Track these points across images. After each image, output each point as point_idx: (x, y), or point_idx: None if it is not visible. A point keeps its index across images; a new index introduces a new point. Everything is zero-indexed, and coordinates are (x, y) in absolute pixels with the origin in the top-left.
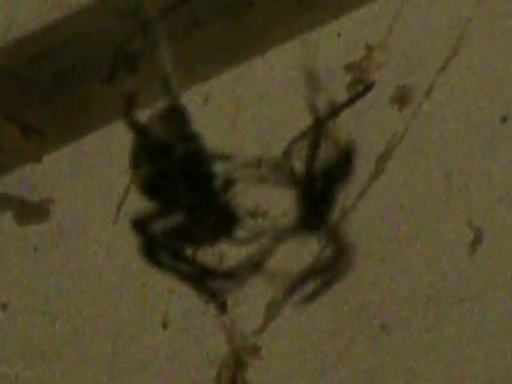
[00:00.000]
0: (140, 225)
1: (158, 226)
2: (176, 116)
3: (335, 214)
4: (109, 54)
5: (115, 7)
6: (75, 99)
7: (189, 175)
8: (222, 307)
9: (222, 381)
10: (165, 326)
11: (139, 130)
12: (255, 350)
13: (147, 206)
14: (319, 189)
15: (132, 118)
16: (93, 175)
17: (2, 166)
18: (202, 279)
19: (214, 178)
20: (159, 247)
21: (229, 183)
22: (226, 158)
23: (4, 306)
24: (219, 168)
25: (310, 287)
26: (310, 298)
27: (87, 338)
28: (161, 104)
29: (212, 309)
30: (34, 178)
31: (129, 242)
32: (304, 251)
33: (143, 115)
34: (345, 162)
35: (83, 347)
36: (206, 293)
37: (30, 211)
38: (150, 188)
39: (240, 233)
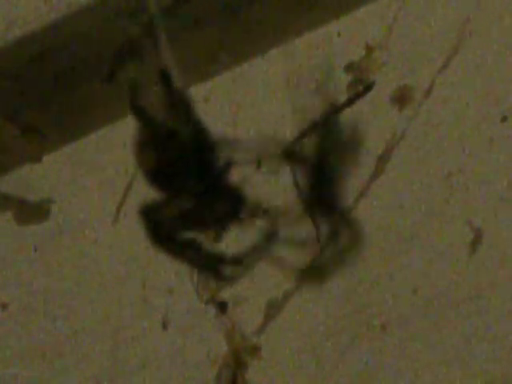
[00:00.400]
0: (148, 213)
1: (166, 213)
2: (180, 103)
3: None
4: (109, 53)
5: (115, 7)
6: (75, 99)
7: (194, 161)
8: (222, 307)
9: (222, 381)
10: (165, 326)
11: (143, 118)
12: (255, 350)
13: (154, 193)
14: (329, 174)
15: (136, 106)
16: (93, 175)
17: (2, 166)
18: (211, 265)
19: (219, 162)
20: (168, 234)
21: (229, 165)
22: (229, 143)
23: (4, 306)
24: (222, 152)
25: (323, 258)
26: (324, 269)
27: (87, 338)
28: (164, 91)
29: (212, 309)
30: (33, 177)
31: (129, 242)
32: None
33: (147, 103)
34: (353, 143)
35: (83, 347)
36: (215, 278)
37: (30, 211)
38: (156, 175)
39: (247, 216)
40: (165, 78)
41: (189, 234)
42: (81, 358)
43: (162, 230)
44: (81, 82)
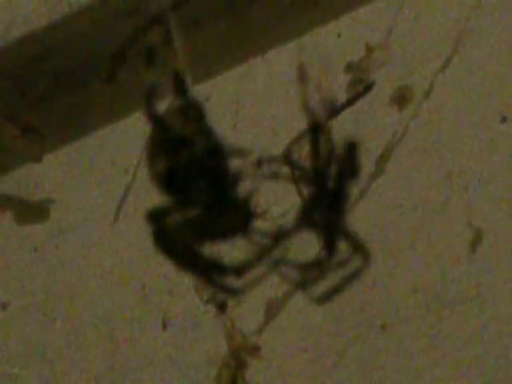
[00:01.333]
0: (155, 217)
1: (173, 220)
2: (193, 110)
3: (347, 211)
4: (109, 53)
5: (115, 7)
6: (75, 99)
7: (206, 170)
8: (222, 307)
9: (222, 381)
10: (165, 326)
11: (158, 123)
12: (255, 350)
13: (154, 196)
14: (330, 187)
15: (151, 111)
16: (93, 175)
17: (1, 166)
18: (212, 275)
19: (231, 172)
20: (173, 240)
21: (238, 178)
22: (243, 153)
23: (4, 306)
24: (234, 164)
25: (326, 285)
26: (327, 296)
27: (87, 338)
28: (178, 98)
29: (212, 309)
30: (33, 178)
31: (129, 242)
32: (312, 246)
33: (162, 108)
34: (350, 157)
35: (83, 347)
36: (216, 289)
37: (30, 211)
38: (167, 181)
39: (254, 230)
40: (178, 82)
41: (194, 244)
42: (81, 358)
43: (166, 237)
44: (81, 82)
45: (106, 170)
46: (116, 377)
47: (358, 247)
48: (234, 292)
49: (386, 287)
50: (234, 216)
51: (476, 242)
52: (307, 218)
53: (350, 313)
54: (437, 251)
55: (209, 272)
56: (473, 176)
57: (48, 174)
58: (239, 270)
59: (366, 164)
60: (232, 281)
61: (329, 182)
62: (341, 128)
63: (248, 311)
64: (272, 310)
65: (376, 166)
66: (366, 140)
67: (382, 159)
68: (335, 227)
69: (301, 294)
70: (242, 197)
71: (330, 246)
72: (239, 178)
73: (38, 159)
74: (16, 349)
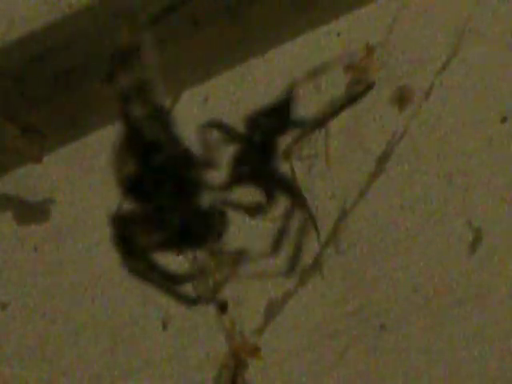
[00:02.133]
0: (117, 222)
1: (136, 226)
2: (162, 117)
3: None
4: (109, 53)
5: (115, 7)
6: (75, 99)
7: (172, 178)
8: (222, 307)
9: (221, 381)
10: (165, 326)
11: (130, 127)
12: (255, 350)
13: (127, 205)
14: (258, 139)
15: (125, 114)
16: (93, 175)
17: (1, 166)
18: (167, 285)
19: (198, 182)
20: (133, 248)
21: (203, 188)
22: (210, 164)
23: (4, 306)
24: (202, 174)
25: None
26: (292, 266)
27: (87, 338)
28: (151, 103)
29: (212, 309)
30: (33, 177)
31: None
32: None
33: (135, 113)
34: (284, 109)
35: (83, 347)
36: (173, 298)
37: (30, 211)
38: (132, 186)
39: (220, 239)
40: (144, 92)
41: (152, 252)
42: (81, 358)
43: (126, 243)
44: (81, 82)
45: (105, 170)
46: (116, 377)
47: (293, 192)
48: (190, 302)
49: (386, 287)
50: (198, 226)
51: (476, 242)
52: (237, 172)
53: (350, 313)
54: (437, 251)
55: (164, 281)
56: (473, 176)
57: (48, 174)
58: (185, 279)
59: (366, 164)
60: (188, 291)
61: (256, 135)
62: (341, 128)
63: (248, 311)
64: (272, 310)
65: (376, 165)
66: (365, 140)
67: (382, 159)
68: (268, 177)
69: (301, 294)
70: (206, 207)
71: (268, 195)
72: (205, 188)
73: (38, 159)
74: (16, 349)
